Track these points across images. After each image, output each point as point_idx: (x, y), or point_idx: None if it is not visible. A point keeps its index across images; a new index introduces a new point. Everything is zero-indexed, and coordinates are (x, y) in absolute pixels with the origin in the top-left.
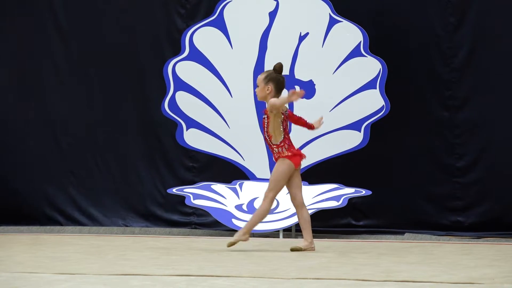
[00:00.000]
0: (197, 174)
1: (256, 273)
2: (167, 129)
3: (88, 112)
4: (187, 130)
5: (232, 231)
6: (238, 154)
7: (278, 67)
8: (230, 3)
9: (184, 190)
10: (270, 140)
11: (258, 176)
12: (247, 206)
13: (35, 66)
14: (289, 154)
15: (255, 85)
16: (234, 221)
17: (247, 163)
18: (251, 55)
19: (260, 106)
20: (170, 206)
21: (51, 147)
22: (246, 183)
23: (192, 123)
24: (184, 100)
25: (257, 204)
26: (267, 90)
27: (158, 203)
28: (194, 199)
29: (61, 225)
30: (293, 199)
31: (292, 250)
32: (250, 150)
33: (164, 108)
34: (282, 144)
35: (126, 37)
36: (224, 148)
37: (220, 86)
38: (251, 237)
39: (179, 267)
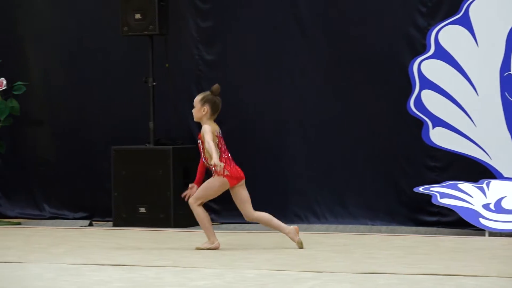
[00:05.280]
0: (440, 174)
1: (504, 273)
2: (408, 128)
3: (320, 109)
4: (433, 128)
5: (479, 230)
6: (485, 153)
7: (215, 89)
8: (475, 1)
9: (431, 189)
10: (208, 162)
11: (505, 175)
12: (495, 205)
13: None
14: (227, 173)
15: (502, 85)
16: (481, 220)
17: (494, 162)
18: (497, 53)
19: (508, 106)
20: (416, 205)
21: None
22: (493, 182)
23: (438, 122)
24: (430, 98)
25: (504, 204)
26: (203, 111)
27: (403, 202)
28: (440, 198)
29: (310, 223)
30: (246, 216)
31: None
32: (497, 149)
33: (410, 107)
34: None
35: (365, 37)
36: (471, 147)
37: (466, 84)
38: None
39: (425, 266)
